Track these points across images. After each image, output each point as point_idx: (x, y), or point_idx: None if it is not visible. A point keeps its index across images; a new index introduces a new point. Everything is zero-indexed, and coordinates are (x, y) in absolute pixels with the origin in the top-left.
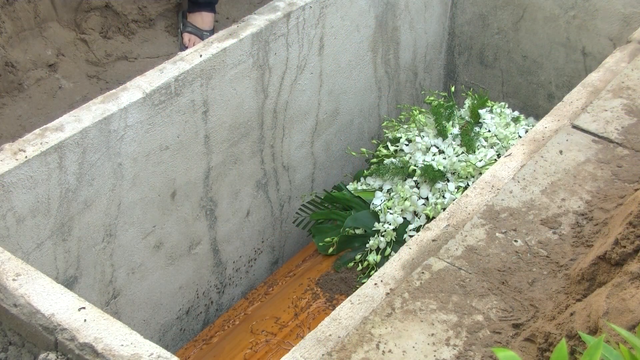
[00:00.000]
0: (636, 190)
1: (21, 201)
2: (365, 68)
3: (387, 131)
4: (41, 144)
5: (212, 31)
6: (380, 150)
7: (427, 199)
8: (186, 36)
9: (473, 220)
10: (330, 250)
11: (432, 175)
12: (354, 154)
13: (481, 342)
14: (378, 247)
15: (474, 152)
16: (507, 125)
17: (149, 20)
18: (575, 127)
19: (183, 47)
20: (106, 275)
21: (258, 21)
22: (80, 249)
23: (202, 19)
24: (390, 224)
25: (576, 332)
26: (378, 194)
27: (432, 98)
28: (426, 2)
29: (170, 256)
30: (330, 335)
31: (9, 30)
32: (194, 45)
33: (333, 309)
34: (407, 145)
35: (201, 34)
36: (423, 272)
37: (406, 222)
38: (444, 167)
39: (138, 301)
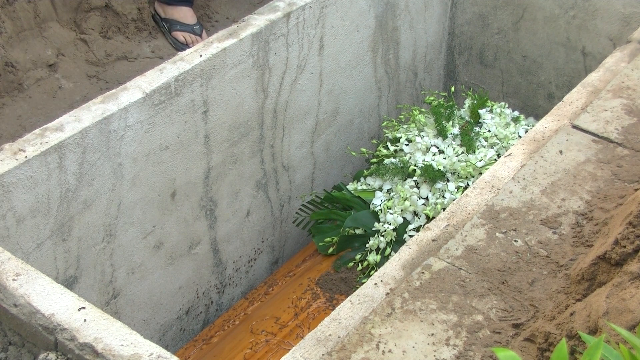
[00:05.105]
0: (636, 190)
1: (21, 201)
2: (365, 68)
3: (387, 131)
4: (41, 144)
5: (199, 22)
6: (380, 150)
7: (427, 199)
8: (180, 34)
9: (473, 220)
10: (330, 250)
11: (432, 175)
12: (354, 154)
13: (481, 342)
14: (378, 247)
15: (474, 152)
16: (507, 125)
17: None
18: (575, 127)
19: (182, 47)
20: (106, 275)
21: (258, 21)
22: (80, 249)
23: (185, 14)
24: (390, 224)
25: (576, 332)
26: (378, 194)
27: (432, 98)
28: (426, 2)
29: (170, 256)
30: (330, 335)
31: (9, 30)
32: (192, 42)
33: (333, 309)
34: (407, 145)
35: (192, 29)
36: (423, 272)
37: (406, 222)
38: (444, 167)
39: (138, 301)
